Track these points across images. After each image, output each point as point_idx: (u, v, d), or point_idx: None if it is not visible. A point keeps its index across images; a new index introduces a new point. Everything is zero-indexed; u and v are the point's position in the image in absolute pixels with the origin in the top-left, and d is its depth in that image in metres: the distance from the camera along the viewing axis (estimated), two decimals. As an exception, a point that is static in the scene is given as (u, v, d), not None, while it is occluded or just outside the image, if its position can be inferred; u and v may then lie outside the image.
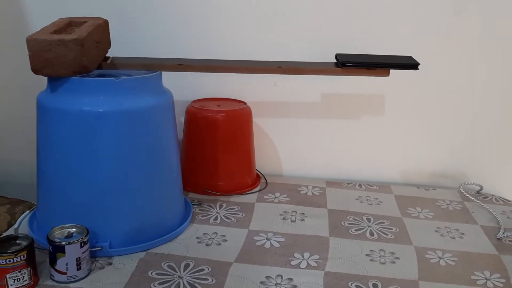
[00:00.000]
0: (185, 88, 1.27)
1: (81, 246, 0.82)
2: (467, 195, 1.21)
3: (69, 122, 0.87)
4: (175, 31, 1.23)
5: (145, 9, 1.22)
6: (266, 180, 1.28)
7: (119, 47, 1.17)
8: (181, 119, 1.25)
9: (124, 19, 1.22)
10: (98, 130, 0.87)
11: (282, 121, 1.32)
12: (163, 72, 0.97)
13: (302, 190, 1.23)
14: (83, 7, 1.21)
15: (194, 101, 1.23)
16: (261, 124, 1.32)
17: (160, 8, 1.22)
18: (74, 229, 0.85)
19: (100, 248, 0.89)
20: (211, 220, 1.05)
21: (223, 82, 1.28)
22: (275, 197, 1.18)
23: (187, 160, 1.22)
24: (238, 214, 1.08)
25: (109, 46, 1.02)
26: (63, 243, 0.81)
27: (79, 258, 0.82)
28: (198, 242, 0.96)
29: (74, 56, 0.84)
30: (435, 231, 1.05)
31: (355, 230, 1.04)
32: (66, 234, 0.84)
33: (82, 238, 0.82)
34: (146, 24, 1.23)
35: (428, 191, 1.26)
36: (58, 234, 0.84)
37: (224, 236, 0.99)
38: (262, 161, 1.35)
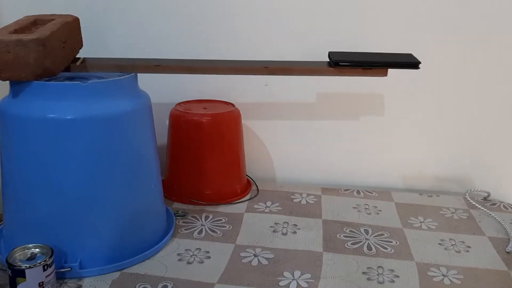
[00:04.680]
0: (169, 90, 1.19)
1: (44, 269, 0.74)
2: (473, 202, 1.12)
3: (33, 131, 0.79)
4: (157, 30, 1.15)
5: (124, 5, 1.14)
6: (257, 187, 1.19)
7: (96, 47, 1.09)
8: (166, 122, 1.16)
9: (101, 16, 1.14)
10: (65, 139, 0.79)
11: (275, 123, 1.23)
12: (144, 73, 0.88)
13: (295, 198, 1.14)
14: (58, 4, 1.12)
15: (179, 104, 1.15)
16: (252, 126, 1.24)
17: (142, 4, 1.13)
18: (37, 250, 0.77)
19: (69, 269, 0.81)
20: (195, 233, 0.97)
21: (210, 82, 1.19)
22: (266, 206, 1.10)
23: (172, 167, 1.14)
24: (225, 227, 1.00)
25: (80, 46, 0.93)
26: (23, 266, 0.72)
27: (42, 282, 0.74)
28: (179, 260, 0.88)
29: (35, 58, 0.76)
30: (439, 243, 0.97)
31: (351, 244, 0.95)
32: (29, 255, 0.76)
33: (45, 261, 0.74)
34: (126, 22, 1.15)
35: (431, 198, 1.17)
36: (19, 255, 0.76)
37: (208, 252, 0.91)
38: (254, 166, 1.27)
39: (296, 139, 1.24)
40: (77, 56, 0.92)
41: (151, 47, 1.16)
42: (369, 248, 0.94)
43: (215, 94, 1.19)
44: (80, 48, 0.93)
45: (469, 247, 0.96)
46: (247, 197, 1.14)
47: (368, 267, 0.88)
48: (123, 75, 0.86)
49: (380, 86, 1.18)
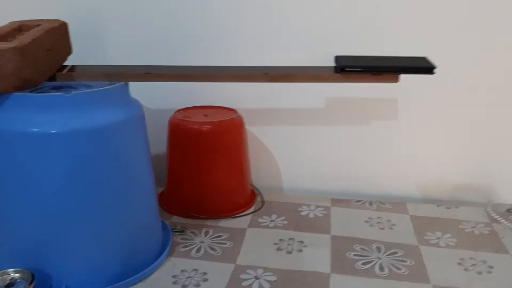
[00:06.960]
0: (168, 96, 1.13)
1: (24, 297, 0.68)
2: (495, 216, 1.04)
3: (14, 146, 0.73)
4: (155, 35, 1.09)
5: (120, 10, 1.08)
6: (262, 198, 1.12)
7: (92, 54, 1.04)
8: (165, 131, 1.09)
9: (97, 21, 1.08)
10: (48, 154, 0.73)
11: (281, 129, 1.16)
12: (135, 81, 0.82)
13: (303, 211, 1.07)
14: (50, 8, 1.07)
15: (178, 111, 1.08)
16: (257, 133, 1.17)
17: (139, 8, 1.07)
18: (18, 275, 0.72)
19: (54, 294, 0.76)
20: (193, 252, 0.91)
21: (213, 87, 1.13)
22: (271, 220, 1.03)
23: (171, 179, 1.08)
24: (225, 244, 0.93)
25: (68, 52, 0.87)
26: (0, 295, 0.67)
27: (22, 311, 0.68)
28: (174, 283, 0.82)
29: (13, 68, 0.70)
30: (458, 263, 0.89)
31: (362, 264, 0.88)
32: (8, 281, 0.71)
33: (24, 287, 0.68)
34: (122, 27, 1.09)
35: (450, 210, 1.08)
36: (-2, 281, 0.71)
37: (205, 274, 0.84)
38: (259, 175, 1.20)
39: (304, 146, 1.17)
40: (65, 64, 0.86)
41: (148, 53, 1.10)
42: (381, 268, 0.86)
43: (218, 100, 1.13)
44: (69, 55, 0.87)
45: (492, 267, 0.88)
46: (251, 209, 1.07)
47: (379, 292, 0.80)
48: (113, 84, 0.80)
49: (394, 90, 1.10)
